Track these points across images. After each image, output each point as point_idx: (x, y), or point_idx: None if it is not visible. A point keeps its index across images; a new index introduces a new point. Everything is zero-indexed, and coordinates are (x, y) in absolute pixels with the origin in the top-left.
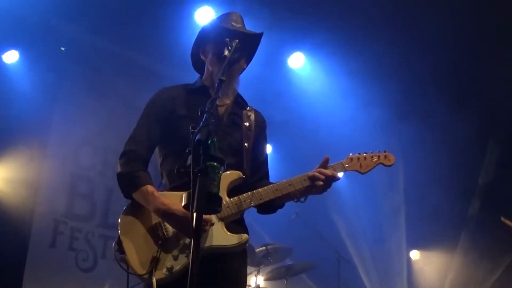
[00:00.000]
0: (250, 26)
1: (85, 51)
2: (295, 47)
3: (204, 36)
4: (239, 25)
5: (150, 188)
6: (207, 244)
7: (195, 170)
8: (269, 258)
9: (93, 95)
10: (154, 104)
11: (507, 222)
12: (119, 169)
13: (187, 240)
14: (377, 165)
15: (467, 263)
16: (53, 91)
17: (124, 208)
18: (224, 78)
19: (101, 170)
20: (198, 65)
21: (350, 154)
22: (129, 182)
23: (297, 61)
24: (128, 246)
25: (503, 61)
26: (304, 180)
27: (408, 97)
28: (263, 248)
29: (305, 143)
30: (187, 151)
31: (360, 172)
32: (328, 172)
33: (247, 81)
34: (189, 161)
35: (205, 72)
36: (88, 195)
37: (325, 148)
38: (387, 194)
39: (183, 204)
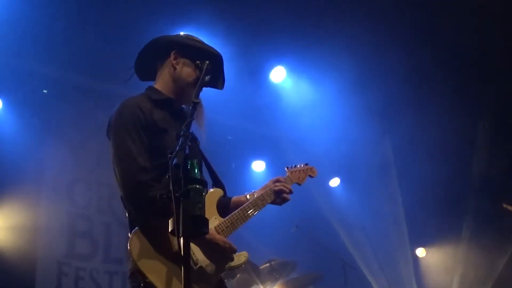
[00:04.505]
0: (229, 44)
1: (67, 90)
2: (276, 61)
3: (171, 47)
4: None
5: None
6: (231, 265)
7: (177, 195)
8: (275, 274)
9: (81, 132)
10: (133, 116)
11: (510, 208)
12: (145, 193)
13: (214, 268)
14: (307, 176)
15: (473, 254)
16: (41, 134)
17: (130, 237)
18: (198, 101)
19: (98, 205)
20: (144, 68)
21: (286, 168)
22: (159, 208)
23: (279, 75)
24: (156, 279)
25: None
26: (272, 194)
27: (396, 101)
28: (267, 264)
29: (294, 156)
30: (167, 176)
31: (298, 184)
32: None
33: (232, 98)
34: (171, 186)
35: (160, 80)
36: (88, 233)
37: (313, 158)
38: (383, 195)
39: (169, 230)
